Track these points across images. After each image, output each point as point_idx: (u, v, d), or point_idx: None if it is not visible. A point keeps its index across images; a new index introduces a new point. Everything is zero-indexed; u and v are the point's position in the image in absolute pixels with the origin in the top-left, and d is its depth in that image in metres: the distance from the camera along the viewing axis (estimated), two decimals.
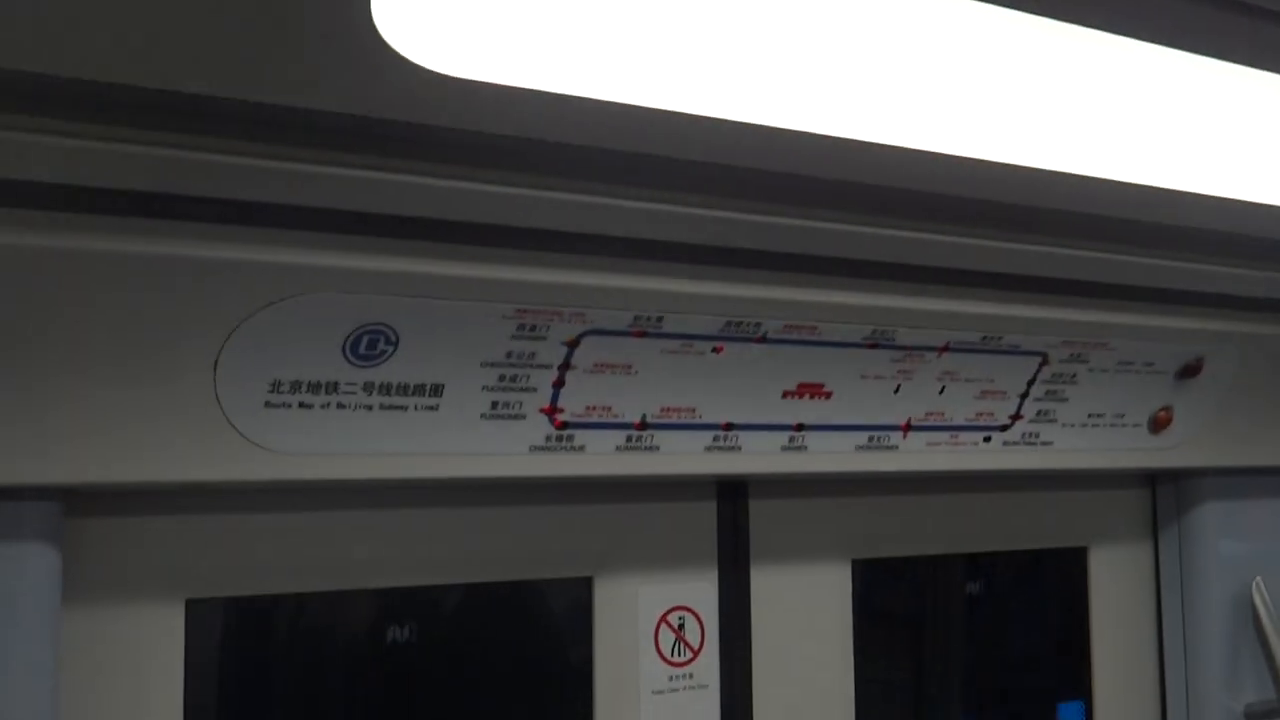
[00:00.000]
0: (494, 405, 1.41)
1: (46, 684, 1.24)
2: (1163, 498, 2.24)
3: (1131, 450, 1.98)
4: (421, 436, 1.38)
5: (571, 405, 1.46)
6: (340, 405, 1.32)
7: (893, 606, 2.07)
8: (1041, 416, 1.84)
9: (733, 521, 1.79)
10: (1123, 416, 1.93)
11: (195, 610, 1.42)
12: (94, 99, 1.02)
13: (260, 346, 1.24)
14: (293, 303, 1.23)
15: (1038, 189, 1.44)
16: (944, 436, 1.76)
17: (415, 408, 1.36)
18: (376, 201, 1.20)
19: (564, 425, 1.46)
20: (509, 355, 1.39)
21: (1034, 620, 2.23)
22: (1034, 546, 2.15)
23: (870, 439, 1.70)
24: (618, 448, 1.51)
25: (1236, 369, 1.97)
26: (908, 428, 1.72)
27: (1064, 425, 1.87)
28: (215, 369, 1.23)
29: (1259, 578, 2.16)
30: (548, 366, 1.42)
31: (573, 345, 1.42)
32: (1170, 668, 2.21)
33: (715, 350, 1.51)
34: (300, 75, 1.02)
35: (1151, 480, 2.25)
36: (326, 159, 1.14)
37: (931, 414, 1.73)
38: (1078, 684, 2.16)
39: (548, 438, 1.46)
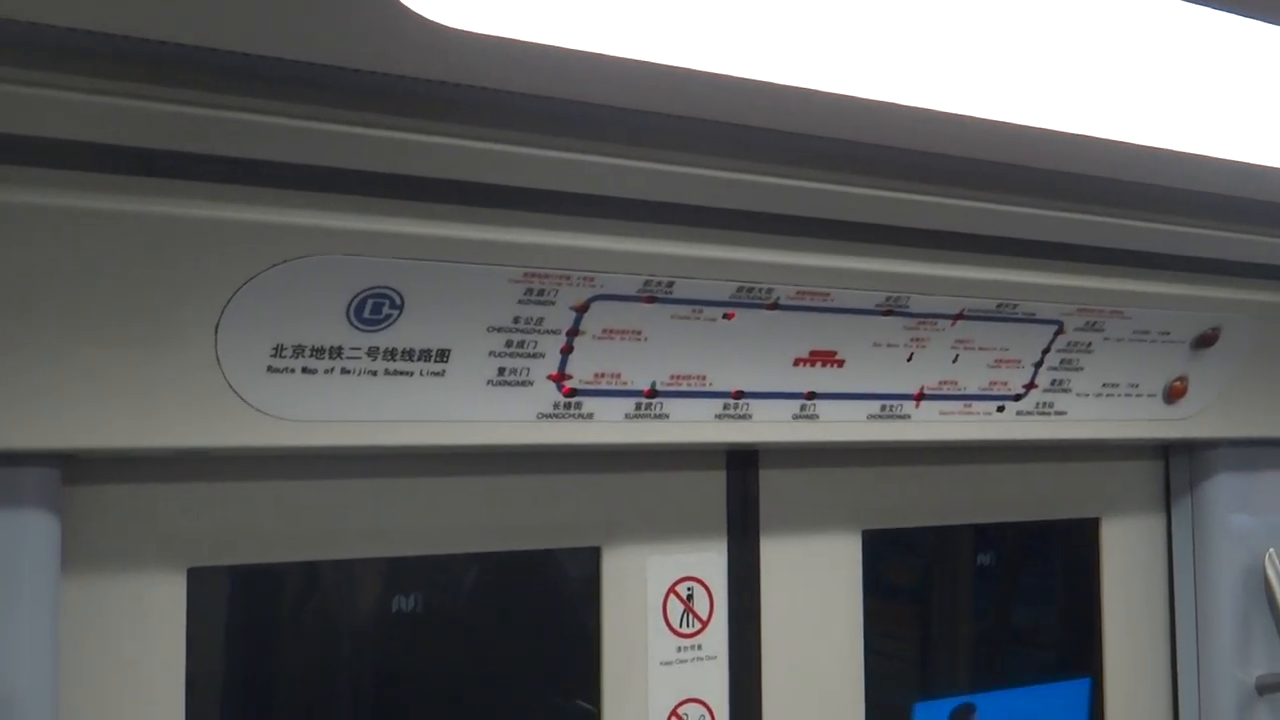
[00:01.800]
0: (501, 371, 1.38)
1: (47, 652, 1.22)
2: (1176, 469, 2.21)
3: (1146, 421, 1.95)
4: (427, 403, 1.36)
5: (580, 372, 1.43)
6: (344, 370, 1.30)
7: (903, 577, 2.06)
8: (1056, 386, 1.81)
9: (742, 491, 1.77)
10: (1137, 386, 1.91)
11: (197, 579, 1.40)
12: (97, 52, 1.00)
13: (263, 310, 1.22)
14: (296, 265, 1.20)
15: (1056, 152, 1.41)
16: (957, 406, 1.74)
17: (421, 373, 1.34)
18: (382, 161, 1.18)
19: (572, 392, 1.44)
20: (516, 320, 1.36)
21: (1045, 591, 2.22)
22: (1046, 518, 2.13)
23: (883, 408, 1.67)
24: (627, 415, 1.49)
25: (1253, 339, 1.94)
26: (920, 397, 1.70)
27: (1078, 395, 1.85)
28: (217, 332, 1.21)
29: (1272, 550, 2.15)
30: (556, 332, 1.40)
31: (581, 310, 1.39)
32: (1182, 639, 2.19)
33: (726, 316, 1.48)
34: (306, 29, 1.00)
35: (1165, 451, 2.23)
36: (332, 117, 1.12)
37: (945, 383, 1.71)
38: (1089, 655, 2.15)
39: (556, 405, 1.43)
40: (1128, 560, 2.18)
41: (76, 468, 1.30)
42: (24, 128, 1.04)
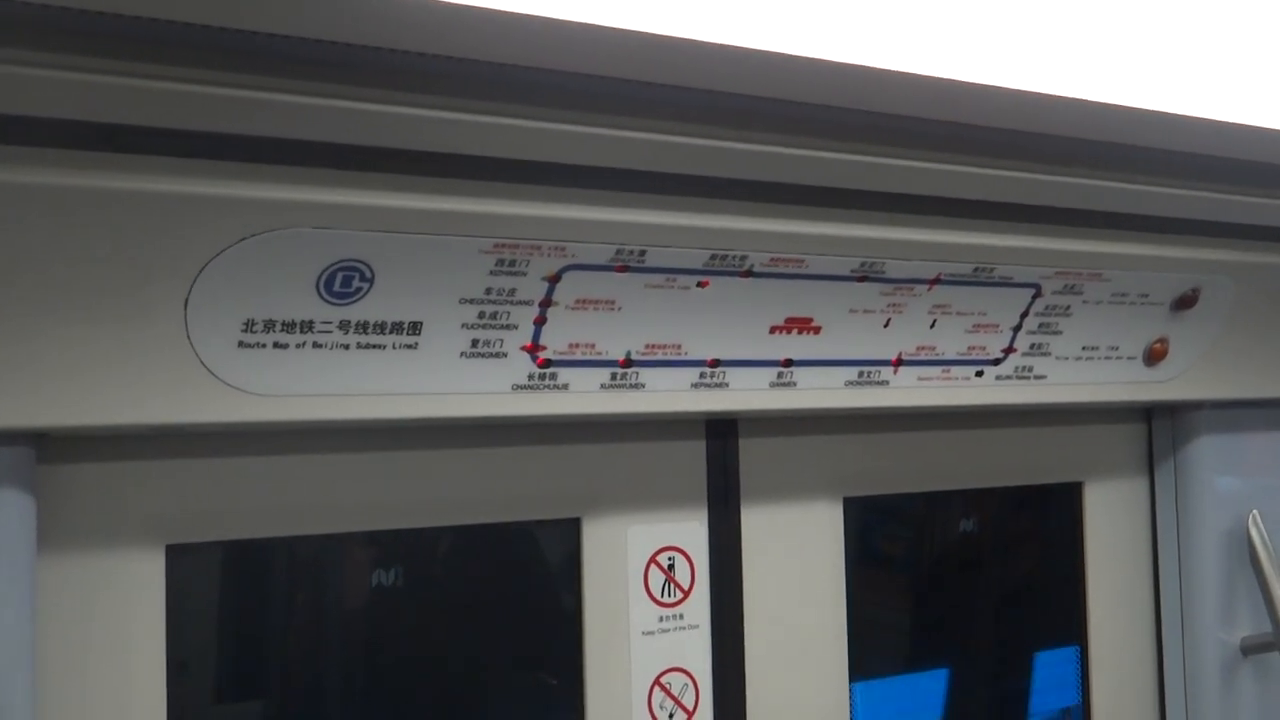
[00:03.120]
0: (474, 343, 1.38)
1: (24, 632, 1.22)
2: (1158, 432, 2.21)
3: (1127, 384, 1.95)
4: (400, 376, 1.35)
5: (554, 343, 1.43)
6: (316, 345, 1.29)
7: (885, 544, 2.06)
8: (1035, 350, 1.81)
9: (722, 460, 1.77)
10: (1117, 349, 1.90)
11: (175, 556, 1.40)
12: (58, 25, 0.99)
13: (232, 284, 1.21)
14: (264, 239, 1.20)
15: (1030, 112, 1.40)
16: (935, 371, 1.74)
17: (393, 346, 1.33)
18: (350, 133, 1.17)
19: (546, 363, 1.43)
20: (488, 291, 1.36)
21: (1029, 556, 2.22)
22: (1029, 482, 2.13)
23: (860, 374, 1.67)
24: (602, 386, 1.48)
25: (1233, 300, 1.94)
26: (898, 362, 1.69)
27: (1057, 358, 1.84)
28: (186, 308, 1.20)
29: (1255, 511, 2.15)
30: (529, 303, 1.39)
31: (554, 281, 1.39)
32: (1166, 601, 2.19)
33: (700, 285, 1.48)
34: (272, 0, 0.99)
35: (1147, 414, 2.23)
36: (298, 89, 1.11)
37: (922, 348, 1.71)
38: (1072, 618, 2.16)
39: (530, 376, 1.43)
40: (1112, 524, 2.19)
41: (51, 446, 1.30)
42: None
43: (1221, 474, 2.17)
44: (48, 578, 1.30)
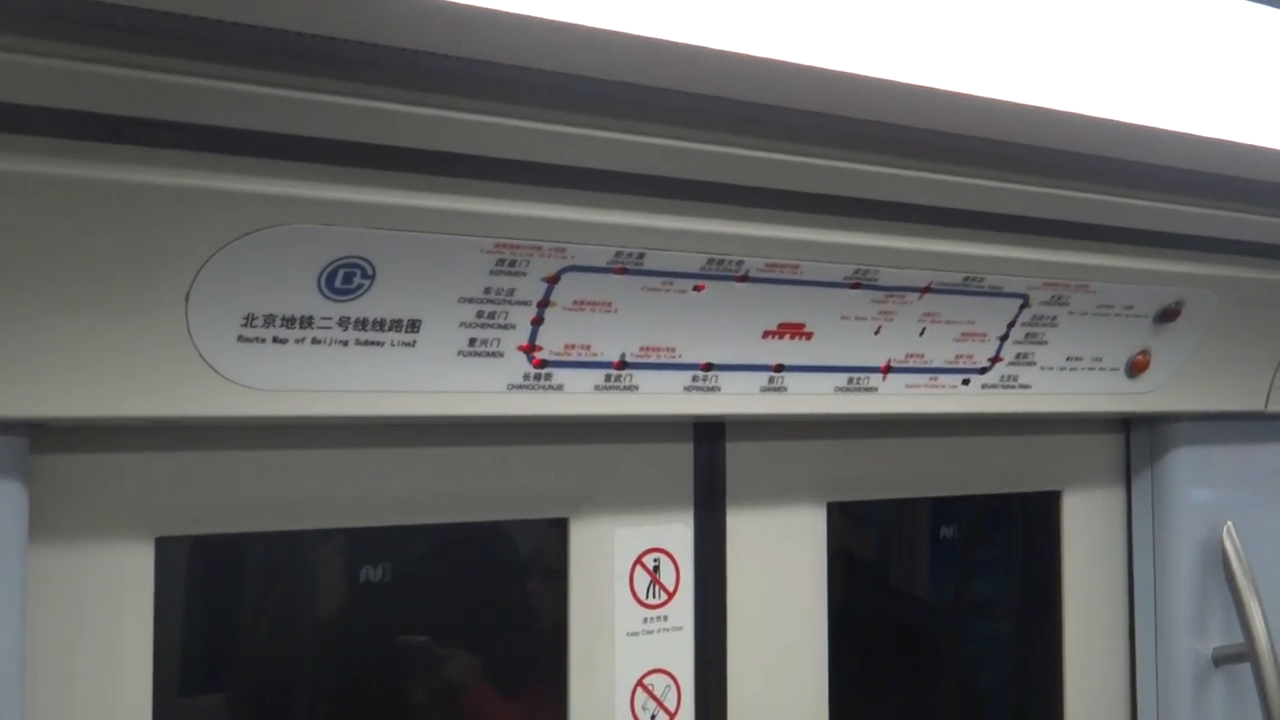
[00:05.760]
0: (472, 342, 1.38)
1: (14, 621, 1.21)
2: (1136, 442, 2.24)
3: (1108, 394, 1.97)
4: (398, 373, 1.35)
5: (550, 343, 1.43)
6: (315, 340, 1.29)
7: (868, 549, 2.07)
8: (1021, 359, 1.83)
9: (709, 464, 1.78)
10: (1100, 360, 1.92)
11: (165, 549, 1.40)
12: (64, 15, 0.98)
13: (234, 279, 1.21)
14: (268, 234, 1.20)
15: (1025, 125, 1.42)
16: (923, 379, 1.75)
17: (391, 344, 1.33)
18: (355, 130, 1.17)
19: (542, 364, 1.44)
20: (487, 291, 1.36)
21: (1006, 563, 2.24)
22: (1007, 490, 2.15)
23: (850, 380, 1.68)
24: (596, 387, 1.49)
25: (1215, 313, 1.97)
26: (887, 369, 1.71)
27: (1043, 368, 1.86)
28: (187, 302, 1.20)
29: (1230, 523, 2.17)
30: (527, 303, 1.40)
31: (553, 281, 1.39)
32: (1140, 611, 2.22)
33: (696, 289, 1.48)
34: None
35: (1126, 425, 2.25)
36: (304, 85, 1.11)
37: (911, 356, 1.72)
38: (1048, 625, 2.17)
39: (526, 376, 1.43)
40: (1088, 533, 2.21)
41: (45, 437, 1.30)
42: None
43: (1197, 485, 2.19)
44: (38, 567, 1.30)
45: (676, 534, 1.74)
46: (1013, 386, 1.85)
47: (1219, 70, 1.51)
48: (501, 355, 1.41)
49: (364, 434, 1.50)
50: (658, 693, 1.71)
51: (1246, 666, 2.09)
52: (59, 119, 1.06)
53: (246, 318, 1.24)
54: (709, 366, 1.55)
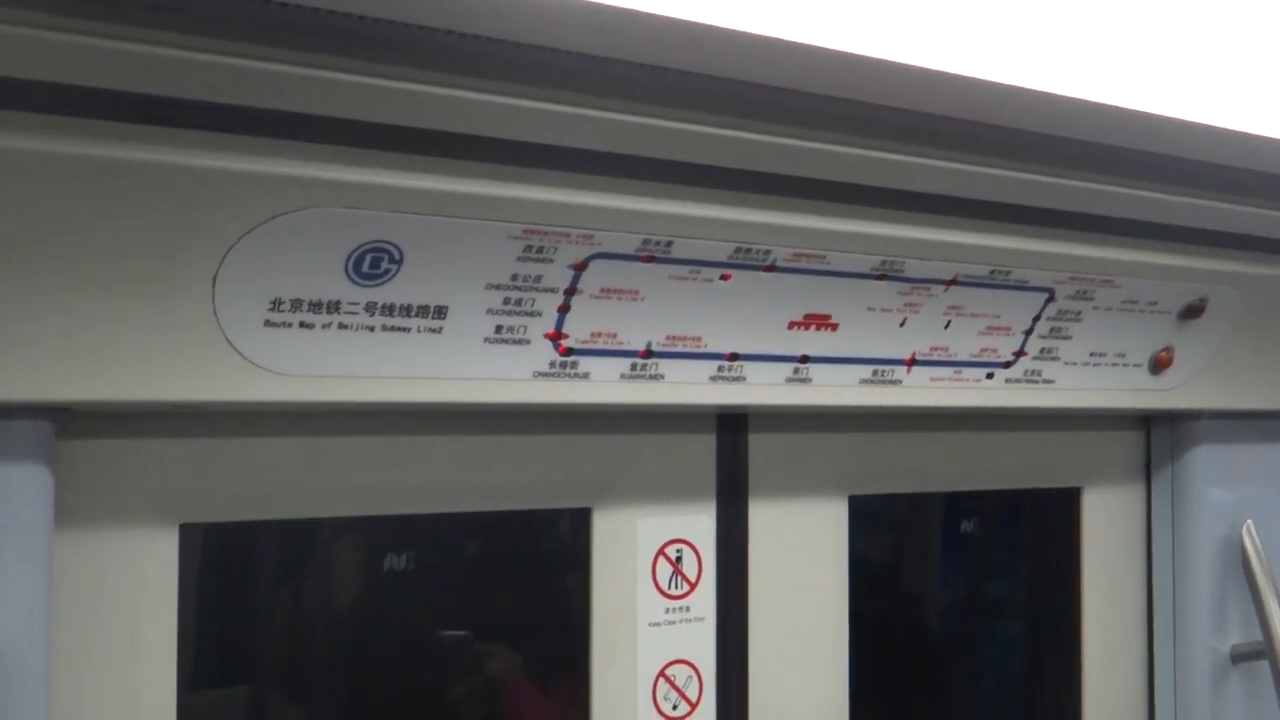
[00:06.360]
0: (498, 329, 1.38)
1: (40, 605, 1.21)
2: (1157, 439, 2.23)
3: (1131, 390, 1.97)
4: (424, 360, 1.34)
5: (576, 331, 1.43)
6: (342, 326, 1.28)
7: (889, 543, 2.07)
8: (1045, 354, 1.82)
9: (732, 455, 1.77)
10: (1124, 356, 1.92)
11: (189, 535, 1.39)
12: None
13: (262, 262, 1.20)
14: (295, 217, 1.19)
15: (1053, 115, 1.41)
16: (947, 372, 1.74)
17: (418, 330, 1.33)
18: (384, 113, 1.16)
19: (569, 351, 1.43)
20: (514, 278, 1.36)
21: (1026, 559, 2.23)
22: (1028, 486, 2.14)
23: (874, 373, 1.67)
24: (622, 376, 1.48)
25: (1239, 311, 1.96)
26: (912, 362, 1.70)
27: (1066, 363, 1.85)
28: (214, 285, 1.19)
29: (1250, 521, 2.17)
30: (554, 290, 1.39)
31: (580, 269, 1.38)
32: (1159, 608, 2.21)
33: (723, 278, 1.48)
34: None
35: (1146, 422, 2.25)
36: (335, 65, 1.10)
37: (936, 349, 1.71)
38: (1067, 621, 2.17)
39: (552, 364, 1.43)
40: (1107, 530, 2.20)
41: (70, 422, 1.29)
42: (19, 71, 1.01)
43: (1217, 483, 2.18)
44: (62, 553, 1.29)
45: (699, 525, 1.74)
46: (1036, 381, 1.84)
47: (1251, 63, 1.50)
48: (528, 343, 1.40)
49: (389, 421, 1.50)
50: (679, 683, 1.70)
51: (1265, 664, 2.08)
52: (88, 98, 1.05)
53: (274, 302, 1.24)
54: (734, 356, 1.55)
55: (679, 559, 1.71)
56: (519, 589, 1.65)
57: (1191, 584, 2.17)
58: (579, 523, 1.66)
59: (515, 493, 1.61)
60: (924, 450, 1.98)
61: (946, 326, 1.70)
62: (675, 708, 1.70)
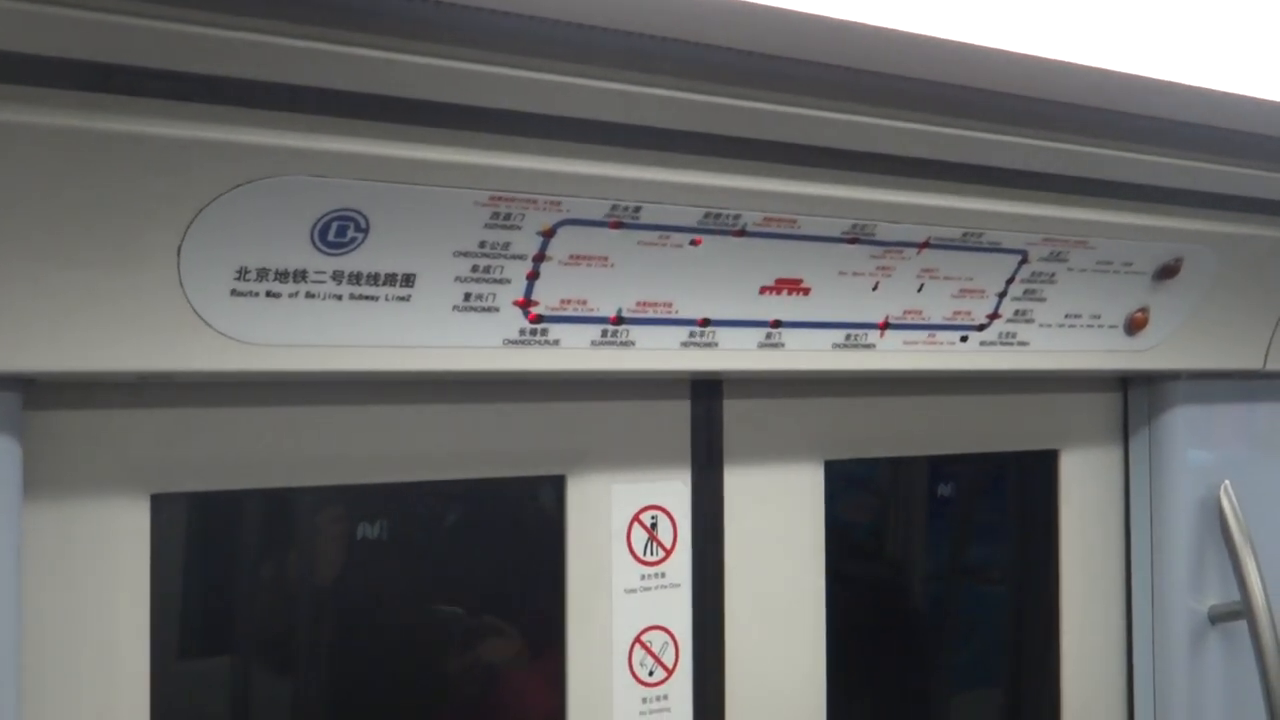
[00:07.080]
0: (467, 297, 1.37)
1: (9, 578, 1.21)
2: (1134, 401, 2.23)
3: (1107, 352, 1.97)
4: (392, 328, 1.34)
5: (546, 298, 1.42)
6: (309, 294, 1.28)
7: (865, 507, 2.07)
8: (1019, 316, 1.82)
9: (706, 421, 1.77)
10: (1099, 317, 1.92)
11: (161, 505, 1.39)
12: None
13: (227, 231, 1.20)
14: (260, 185, 1.18)
15: (1024, 76, 1.41)
16: (921, 335, 1.74)
17: (386, 298, 1.32)
18: (348, 80, 1.16)
19: (538, 319, 1.43)
20: (482, 245, 1.35)
21: (1004, 522, 2.24)
22: (1006, 449, 2.15)
23: (847, 337, 1.67)
24: (593, 342, 1.48)
25: (1214, 271, 1.96)
26: (885, 326, 1.70)
27: (1041, 326, 1.85)
28: (179, 255, 1.19)
29: (1227, 481, 2.17)
30: (522, 257, 1.38)
31: (548, 235, 1.38)
32: (1136, 569, 2.22)
33: (693, 243, 1.47)
34: None
35: (1123, 383, 2.25)
36: (297, 33, 1.09)
37: (909, 312, 1.71)
38: (1045, 583, 2.18)
39: (521, 331, 1.43)
40: (1085, 492, 2.21)
41: (38, 392, 1.29)
42: None
43: (1195, 444, 2.19)
44: (32, 523, 1.29)
45: (674, 491, 1.74)
46: (1011, 344, 1.84)
47: (1221, 20, 1.49)
48: (497, 310, 1.40)
49: (359, 390, 1.49)
50: (656, 649, 1.71)
51: (1243, 624, 2.09)
52: (45, 67, 1.04)
53: (239, 271, 1.23)
54: (706, 322, 1.54)
55: (654, 525, 1.71)
56: (494, 557, 1.66)
57: (1169, 545, 2.17)
58: (554, 490, 1.66)
59: (490, 460, 1.61)
60: (900, 415, 1.98)
61: (920, 290, 1.70)
62: (651, 674, 1.71)
